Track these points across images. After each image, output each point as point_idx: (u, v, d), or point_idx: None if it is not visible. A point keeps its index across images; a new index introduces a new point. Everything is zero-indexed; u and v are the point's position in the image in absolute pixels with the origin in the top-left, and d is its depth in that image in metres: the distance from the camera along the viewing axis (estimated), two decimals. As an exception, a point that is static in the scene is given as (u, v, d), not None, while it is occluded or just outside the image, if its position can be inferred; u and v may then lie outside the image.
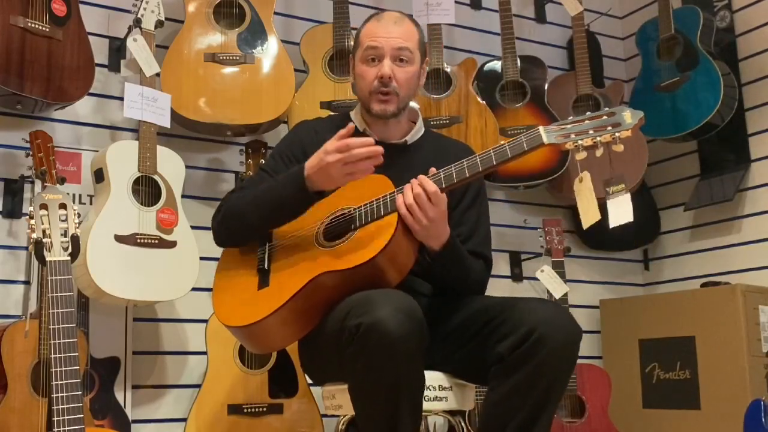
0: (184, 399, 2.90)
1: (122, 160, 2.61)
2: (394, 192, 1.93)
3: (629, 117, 1.87)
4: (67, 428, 1.88)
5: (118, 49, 2.98)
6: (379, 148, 1.90)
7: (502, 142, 1.94)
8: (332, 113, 2.90)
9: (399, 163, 2.14)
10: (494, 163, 1.90)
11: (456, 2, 3.36)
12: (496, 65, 3.51)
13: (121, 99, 2.74)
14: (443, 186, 1.91)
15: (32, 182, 2.67)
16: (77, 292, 2.57)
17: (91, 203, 2.77)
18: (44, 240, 2.00)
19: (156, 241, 2.59)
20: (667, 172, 3.87)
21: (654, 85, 3.61)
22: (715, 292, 3.30)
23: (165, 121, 2.73)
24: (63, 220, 2.04)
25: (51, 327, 1.94)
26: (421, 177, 1.91)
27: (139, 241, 2.56)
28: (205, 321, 2.76)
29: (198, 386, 2.77)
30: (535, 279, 3.24)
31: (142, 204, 2.61)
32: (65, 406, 1.89)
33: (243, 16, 2.98)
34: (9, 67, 2.46)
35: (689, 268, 3.75)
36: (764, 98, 3.54)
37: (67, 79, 2.60)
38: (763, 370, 3.11)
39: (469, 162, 1.91)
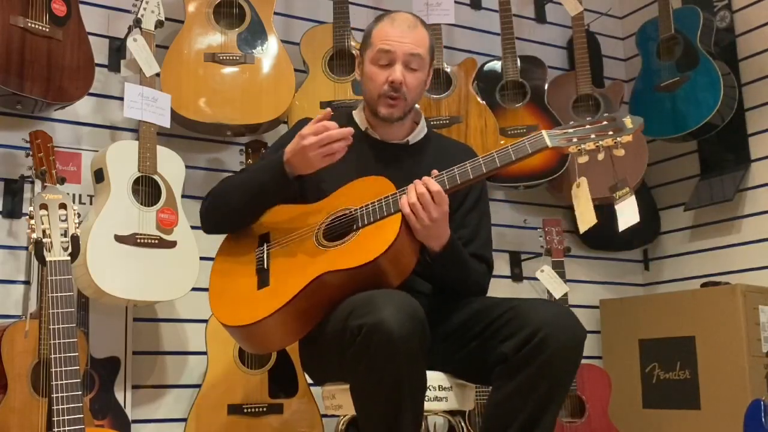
0: (184, 399, 2.90)
1: (122, 160, 2.61)
2: (396, 193, 1.93)
3: (630, 122, 1.92)
4: (67, 428, 1.88)
5: (118, 49, 2.98)
6: (350, 129, 1.96)
7: (502, 142, 1.96)
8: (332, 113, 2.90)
9: (401, 163, 2.15)
10: (498, 165, 1.92)
11: (456, 2, 3.36)
12: (496, 65, 3.51)
13: (121, 99, 2.74)
14: (447, 187, 1.92)
15: (32, 182, 2.67)
16: (77, 292, 2.57)
17: (91, 203, 2.77)
18: (44, 240, 2.00)
19: (156, 241, 2.59)
20: (667, 172, 3.87)
21: (654, 85, 3.61)
22: (715, 292, 3.30)
23: (165, 121, 2.73)
24: (63, 220, 2.04)
25: (51, 327, 1.94)
26: (425, 178, 1.91)
27: (139, 241, 2.56)
28: (205, 321, 2.76)
29: (198, 386, 2.77)
30: (535, 279, 3.24)
31: (142, 204, 2.61)
32: (65, 406, 1.89)
33: (243, 16, 2.98)
34: (9, 67, 2.46)
35: (689, 268, 3.75)
36: (764, 98, 3.54)
37: (67, 79, 2.60)
38: (763, 370, 3.11)
39: (472, 164, 1.92)
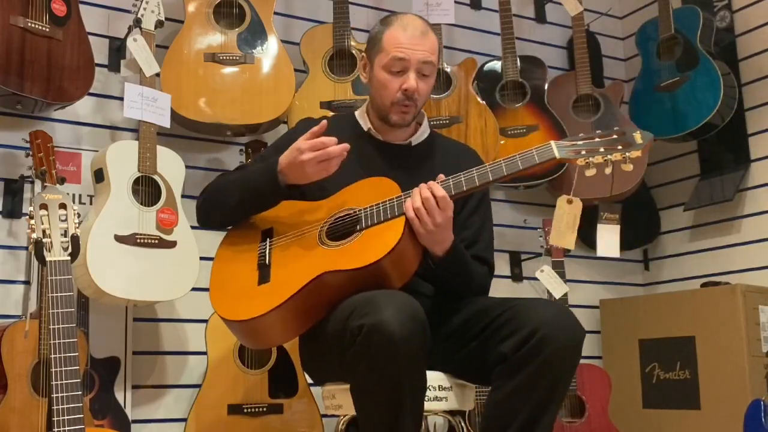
0: (184, 399, 2.90)
1: (122, 160, 2.61)
2: (401, 196, 1.93)
3: (640, 138, 1.91)
4: (67, 428, 1.88)
5: (118, 49, 2.98)
6: (345, 146, 1.95)
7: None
8: (334, 113, 2.90)
9: (403, 163, 2.15)
10: (504, 174, 1.92)
11: (456, 2, 3.36)
12: (496, 65, 3.51)
13: (121, 99, 2.74)
14: (452, 193, 1.92)
15: (32, 182, 2.67)
16: (77, 292, 2.57)
17: (91, 203, 2.77)
18: (44, 240, 2.00)
19: (156, 241, 2.59)
20: (667, 172, 3.87)
21: (654, 85, 3.61)
22: (715, 292, 3.30)
23: (165, 121, 2.73)
24: (63, 220, 2.04)
25: (51, 327, 1.94)
26: (431, 182, 1.91)
27: (139, 241, 2.56)
28: (205, 321, 2.76)
29: (198, 386, 2.77)
30: (535, 279, 3.24)
31: (142, 204, 2.61)
32: (65, 406, 1.89)
33: (243, 16, 2.98)
34: (9, 67, 2.46)
35: (689, 268, 3.75)
36: (764, 98, 3.54)
37: (67, 79, 2.60)
38: (763, 370, 3.11)
39: (479, 171, 1.92)
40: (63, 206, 2.05)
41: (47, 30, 2.56)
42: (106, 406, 2.67)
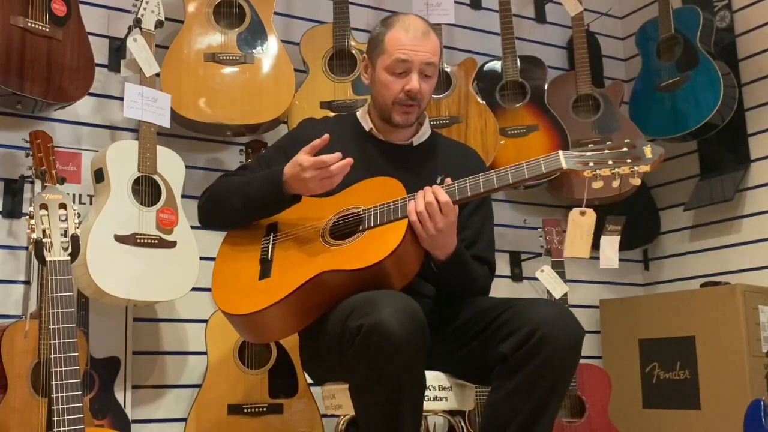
0: (184, 399, 2.90)
1: (122, 160, 2.61)
2: (405, 198, 1.93)
3: (650, 152, 1.88)
4: (67, 428, 1.88)
5: (118, 49, 2.98)
6: (349, 161, 1.96)
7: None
8: (336, 113, 2.90)
9: (404, 164, 2.16)
10: (510, 182, 1.91)
11: (456, 2, 3.36)
12: (496, 65, 3.51)
13: (121, 99, 2.74)
14: (456, 198, 1.91)
15: (32, 182, 2.67)
16: (77, 292, 2.57)
17: (91, 203, 2.77)
18: (44, 240, 2.00)
19: (156, 241, 2.59)
20: (667, 172, 3.87)
21: (654, 85, 3.61)
22: (715, 292, 3.30)
23: (165, 121, 2.73)
24: (63, 220, 2.04)
25: (51, 327, 1.94)
26: (435, 186, 1.91)
27: (139, 241, 2.56)
28: (205, 321, 2.76)
29: (198, 386, 2.77)
30: (535, 279, 3.24)
31: (142, 204, 2.61)
32: (65, 406, 1.89)
33: (243, 16, 2.98)
34: (9, 67, 2.46)
35: (689, 268, 3.75)
36: (764, 98, 3.54)
37: (67, 79, 2.60)
38: (763, 370, 3.11)
39: (484, 178, 1.92)
40: (63, 206, 2.05)
41: (47, 30, 2.56)
42: (106, 406, 2.67)
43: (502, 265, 3.58)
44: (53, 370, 1.91)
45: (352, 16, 3.16)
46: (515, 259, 3.63)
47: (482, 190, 1.91)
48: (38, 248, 2.00)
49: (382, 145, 2.19)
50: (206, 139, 3.08)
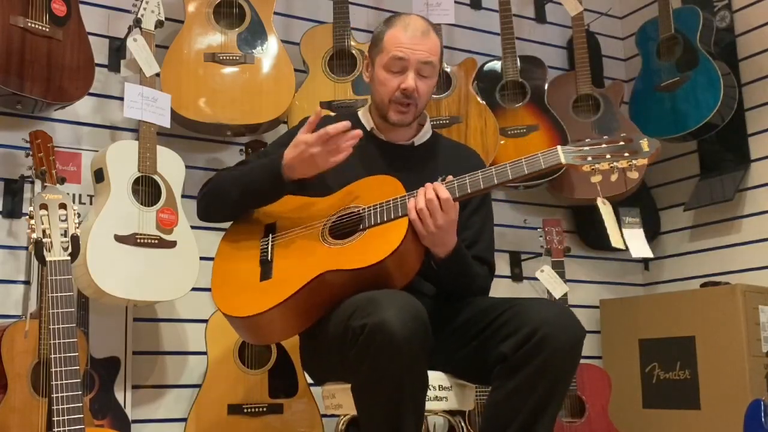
0: (184, 399, 2.90)
1: (122, 160, 2.61)
2: (405, 196, 1.93)
3: (647, 145, 1.90)
4: (67, 428, 1.88)
5: (118, 49, 2.98)
6: (358, 132, 1.95)
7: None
8: (335, 113, 2.90)
9: (406, 164, 2.16)
10: (509, 178, 1.91)
11: (456, 2, 3.36)
12: (496, 65, 3.51)
13: (121, 99, 2.74)
14: (456, 195, 1.91)
15: (32, 182, 2.67)
16: (77, 292, 2.57)
17: (91, 203, 2.77)
18: (44, 240, 2.00)
19: (156, 241, 2.59)
20: (667, 172, 3.87)
21: (654, 85, 3.61)
22: (715, 292, 3.30)
23: (165, 121, 2.73)
24: (63, 220, 2.04)
25: (51, 327, 1.94)
26: (435, 183, 1.91)
27: (139, 241, 2.56)
28: (205, 321, 2.76)
29: (198, 386, 2.77)
30: (535, 279, 3.24)
31: (142, 204, 2.61)
32: (65, 406, 1.89)
33: (243, 16, 2.98)
34: (9, 67, 2.46)
35: (689, 268, 3.75)
36: (764, 98, 3.54)
37: (67, 79, 2.60)
38: (763, 370, 3.11)
39: (484, 174, 1.92)
40: (63, 206, 2.05)
41: (47, 30, 2.56)
42: (106, 406, 2.67)
43: (502, 265, 3.58)
44: (53, 370, 1.91)
45: (352, 16, 3.16)
46: (515, 259, 3.63)
47: (482, 187, 1.91)
48: (38, 248, 2.00)
49: (383, 145, 2.19)
50: (206, 139, 3.08)
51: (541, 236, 3.27)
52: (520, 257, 3.64)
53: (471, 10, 3.78)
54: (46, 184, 2.36)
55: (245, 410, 2.70)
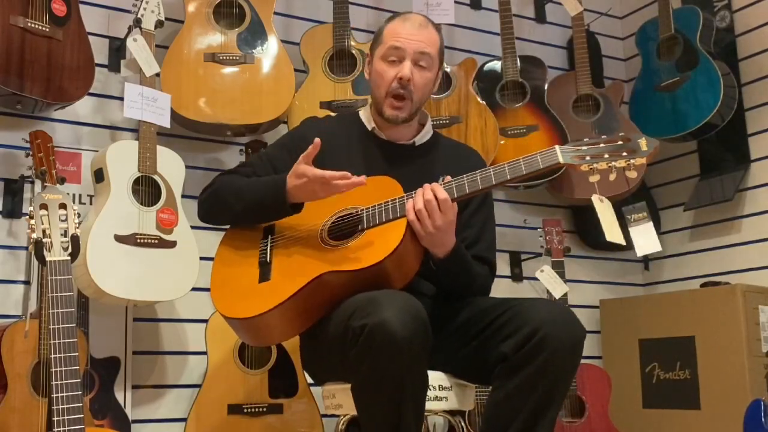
0: (184, 399, 2.90)
1: (122, 160, 2.61)
2: (404, 197, 1.93)
3: (645, 144, 1.90)
4: (67, 428, 1.88)
5: (118, 49, 2.98)
6: (362, 179, 1.92)
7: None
8: (336, 113, 2.90)
9: (407, 163, 2.16)
10: (508, 177, 1.91)
11: (456, 2, 3.36)
12: (496, 65, 3.51)
13: (121, 99, 2.74)
14: (455, 195, 1.91)
15: (32, 182, 2.67)
16: (77, 292, 2.57)
17: (91, 203, 2.77)
18: (44, 240, 2.00)
19: (156, 241, 2.59)
20: (667, 172, 3.87)
21: (654, 85, 3.61)
22: (715, 292, 3.30)
23: (165, 121, 2.73)
24: (63, 220, 2.04)
25: (51, 327, 1.94)
26: (434, 184, 1.91)
27: (139, 241, 2.56)
28: (205, 321, 2.76)
29: (198, 386, 2.77)
30: (535, 279, 3.24)
31: (142, 204, 2.61)
32: (65, 406, 1.89)
33: (243, 16, 2.98)
34: (9, 67, 2.46)
35: (689, 268, 3.75)
36: (764, 98, 3.54)
37: (67, 79, 2.60)
38: (763, 370, 3.11)
39: (482, 174, 1.92)
40: (63, 206, 2.05)
41: (47, 30, 2.56)
42: (106, 406, 2.67)
43: (502, 265, 3.58)
44: (53, 370, 1.91)
45: (352, 16, 3.17)
46: (515, 259, 3.63)
47: (480, 187, 1.91)
48: (38, 248, 2.00)
49: (384, 145, 2.19)
50: (206, 139, 3.08)
51: (541, 236, 3.27)
52: (520, 257, 3.64)
53: (471, 10, 3.78)
54: (46, 184, 2.36)
55: (245, 410, 2.70)
